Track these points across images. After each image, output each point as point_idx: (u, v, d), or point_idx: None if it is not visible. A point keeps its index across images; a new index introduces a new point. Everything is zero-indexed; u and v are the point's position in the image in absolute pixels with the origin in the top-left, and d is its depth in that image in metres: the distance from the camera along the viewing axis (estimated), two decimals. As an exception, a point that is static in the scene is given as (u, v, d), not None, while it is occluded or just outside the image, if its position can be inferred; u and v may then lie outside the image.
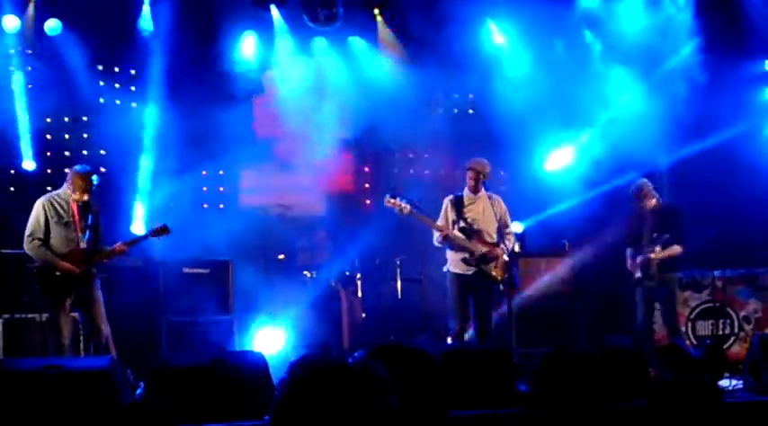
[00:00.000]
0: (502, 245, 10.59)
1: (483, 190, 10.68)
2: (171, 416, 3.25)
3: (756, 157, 12.99)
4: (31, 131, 12.65)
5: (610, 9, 13.67)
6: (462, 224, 10.53)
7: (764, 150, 13.29)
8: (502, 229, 10.70)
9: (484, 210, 10.65)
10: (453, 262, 10.57)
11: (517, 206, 12.67)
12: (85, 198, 9.69)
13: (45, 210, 9.65)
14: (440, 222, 10.61)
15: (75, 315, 9.98)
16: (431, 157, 14.16)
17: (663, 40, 13.23)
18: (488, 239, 10.60)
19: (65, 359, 8.92)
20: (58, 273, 9.53)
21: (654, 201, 11.26)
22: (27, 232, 9.67)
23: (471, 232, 10.54)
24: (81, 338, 10.04)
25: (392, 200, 10.45)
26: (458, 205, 10.59)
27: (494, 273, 10.52)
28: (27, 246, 9.69)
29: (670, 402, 3.75)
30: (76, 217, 9.69)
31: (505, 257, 10.56)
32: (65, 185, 9.78)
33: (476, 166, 10.65)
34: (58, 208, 9.68)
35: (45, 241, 9.62)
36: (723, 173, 12.79)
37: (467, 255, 10.46)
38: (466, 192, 10.68)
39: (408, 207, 10.40)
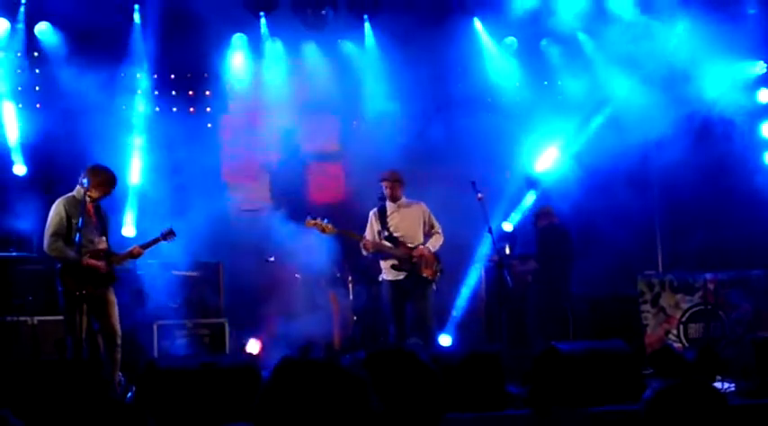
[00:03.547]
0: (427, 245, 10.99)
1: (403, 197, 11.13)
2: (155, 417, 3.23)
3: (749, 159, 13.01)
4: (21, 135, 12.63)
5: (600, 8, 13.67)
6: (386, 233, 10.98)
7: (757, 151, 13.31)
8: (429, 230, 11.13)
9: (405, 217, 11.08)
10: (386, 271, 11.01)
11: (508, 207, 12.76)
12: (96, 194, 9.53)
13: (66, 210, 9.46)
14: (366, 234, 11.07)
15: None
16: (423, 161, 14.14)
17: (655, 39, 13.25)
18: (411, 244, 10.99)
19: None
20: (80, 273, 9.31)
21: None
22: (49, 232, 9.43)
23: (395, 240, 10.97)
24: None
25: (312, 221, 10.92)
26: (381, 216, 11.07)
27: (424, 274, 10.88)
28: (51, 247, 9.43)
29: (672, 407, 3.70)
30: (93, 219, 9.58)
31: (432, 254, 10.94)
32: (77, 187, 9.58)
33: (388, 177, 11.08)
34: (75, 209, 9.46)
35: (67, 241, 9.41)
36: (715, 175, 12.80)
37: (395, 262, 10.88)
38: (388, 203, 11.13)
39: (330, 225, 10.88)
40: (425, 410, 3.28)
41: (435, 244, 11.04)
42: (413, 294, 10.89)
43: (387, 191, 11.06)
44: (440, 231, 11.12)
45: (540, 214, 12.85)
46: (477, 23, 14.16)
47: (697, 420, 3.62)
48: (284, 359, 2.87)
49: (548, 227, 12.65)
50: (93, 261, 9.41)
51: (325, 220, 10.92)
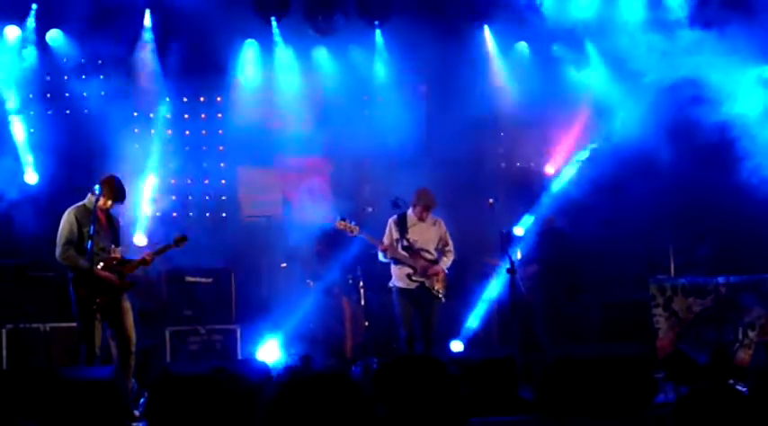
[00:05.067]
0: (441, 263, 11.20)
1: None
2: None
3: (762, 163, 12.96)
4: (32, 143, 12.68)
5: (610, 17, 13.69)
6: (405, 242, 11.15)
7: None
8: (443, 247, 11.32)
9: (426, 231, 11.26)
10: (398, 278, 11.18)
11: (520, 212, 12.77)
12: (110, 204, 9.53)
13: (77, 219, 9.45)
14: (384, 240, 11.22)
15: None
16: (433, 165, 14.14)
17: (664, 45, 13.26)
18: (429, 256, 11.19)
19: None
20: (93, 282, 9.26)
21: None
22: (61, 241, 9.42)
23: (413, 250, 11.14)
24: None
25: (342, 223, 11.15)
26: (401, 225, 11.24)
27: (436, 287, 11.11)
28: (63, 255, 9.41)
29: (701, 410, 3.69)
30: (105, 227, 9.58)
31: (444, 272, 11.17)
32: (89, 195, 9.57)
33: (426, 202, 11.16)
34: (86, 218, 9.43)
35: (79, 250, 9.41)
36: (727, 179, 12.76)
37: (410, 271, 11.07)
38: (410, 214, 11.29)
39: (357, 228, 11.13)
40: (450, 416, 3.29)
41: (448, 262, 11.26)
42: (421, 303, 11.08)
43: (419, 211, 11.18)
44: (452, 249, 11.34)
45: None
46: (487, 31, 14.20)
47: (726, 422, 3.62)
48: (286, 369, 2.90)
49: (546, 231, 12.71)
50: (105, 274, 9.42)
51: (353, 222, 11.17)
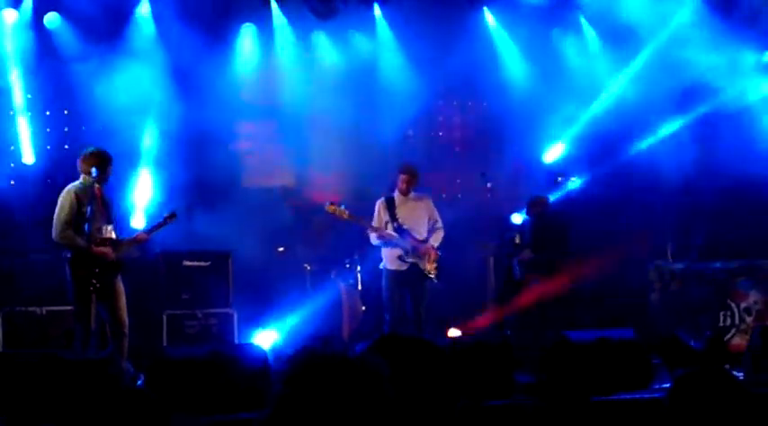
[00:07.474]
0: (431, 241, 11.27)
1: (412, 191, 11.32)
2: (168, 405, 3.23)
3: (756, 148, 12.96)
4: (30, 125, 12.65)
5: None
6: (395, 224, 11.21)
7: (765, 140, 13.26)
8: (432, 225, 11.38)
9: (414, 210, 11.34)
10: (389, 260, 11.29)
11: (518, 197, 12.76)
12: (103, 175, 9.47)
13: (76, 199, 9.37)
14: (374, 223, 11.31)
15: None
16: (433, 150, 14.11)
17: (662, 27, 13.24)
18: (418, 236, 11.26)
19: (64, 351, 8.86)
20: (90, 262, 9.27)
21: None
22: (60, 220, 9.35)
23: (403, 231, 11.19)
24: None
25: (332, 207, 11.24)
26: (389, 206, 11.31)
27: (427, 267, 11.18)
28: (60, 235, 9.36)
29: (693, 395, 3.69)
30: (101, 207, 9.53)
31: (436, 251, 11.27)
32: (81, 176, 9.51)
33: (407, 171, 11.30)
34: (85, 197, 9.39)
35: (77, 230, 9.35)
36: (726, 164, 12.76)
37: (401, 253, 11.15)
38: (396, 194, 11.37)
39: (347, 212, 11.22)
40: (440, 396, 3.28)
41: (438, 239, 11.32)
42: (412, 285, 11.18)
43: (402, 185, 11.27)
44: (441, 226, 11.40)
45: (532, 203, 12.84)
46: (487, 13, 14.16)
47: (718, 407, 3.62)
48: (304, 350, 2.87)
49: (539, 217, 12.69)
50: (100, 249, 9.40)
51: (343, 206, 11.22)
